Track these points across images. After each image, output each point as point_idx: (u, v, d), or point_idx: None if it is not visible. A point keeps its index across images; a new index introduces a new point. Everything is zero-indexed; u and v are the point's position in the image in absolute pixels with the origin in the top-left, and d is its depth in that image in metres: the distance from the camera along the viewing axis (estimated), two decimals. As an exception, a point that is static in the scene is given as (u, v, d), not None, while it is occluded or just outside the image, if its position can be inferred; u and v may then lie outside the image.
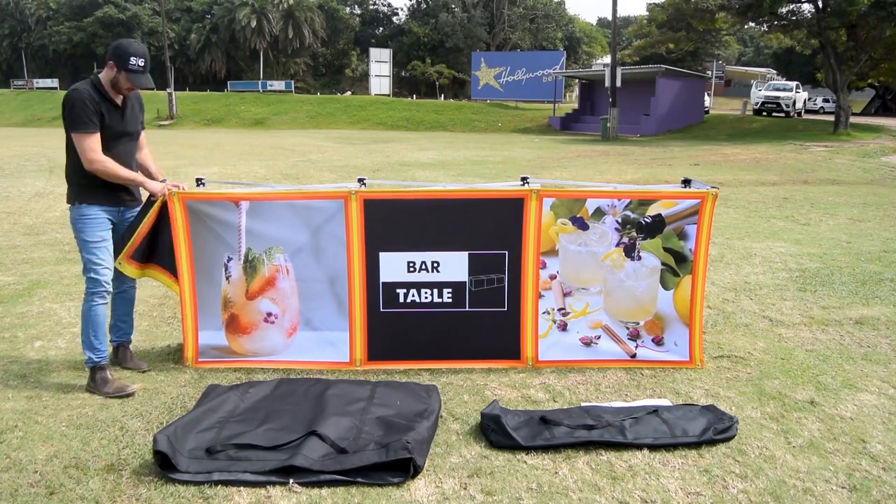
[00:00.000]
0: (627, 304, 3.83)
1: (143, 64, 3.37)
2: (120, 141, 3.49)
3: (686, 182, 3.93)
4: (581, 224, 3.75)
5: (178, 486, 2.55)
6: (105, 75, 3.42)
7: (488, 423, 2.96)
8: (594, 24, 79.06)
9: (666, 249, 3.77)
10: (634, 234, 3.75)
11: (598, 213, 3.74)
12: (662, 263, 3.78)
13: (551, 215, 3.73)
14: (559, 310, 3.84)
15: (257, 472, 2.61)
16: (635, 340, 3.85)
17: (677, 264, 3.78)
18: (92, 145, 3.34)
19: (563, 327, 3.84)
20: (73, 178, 3.48)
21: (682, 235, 3.75)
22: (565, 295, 3.83)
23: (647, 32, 30.70)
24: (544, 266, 3.79)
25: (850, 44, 24.37)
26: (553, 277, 3.81)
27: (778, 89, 32.24)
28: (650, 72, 29.76)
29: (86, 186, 3.45)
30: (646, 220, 3.73)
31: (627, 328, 3.86)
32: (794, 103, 30.91)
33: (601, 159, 17.95)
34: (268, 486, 2.56)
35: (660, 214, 3.73)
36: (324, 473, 2.60)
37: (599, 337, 3.85)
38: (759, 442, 2.94)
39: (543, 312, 3.83)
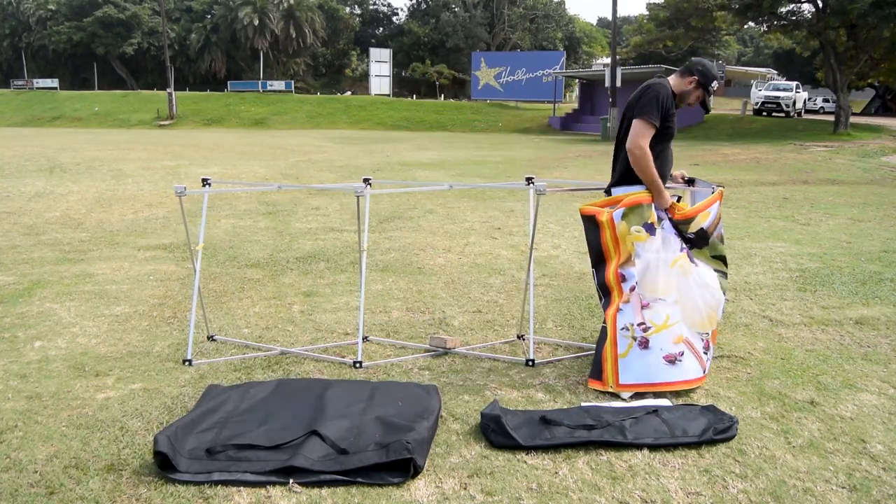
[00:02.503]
0: (699, 315, 3.55)
1: (715, 88, 3.62)
2: (667, 148, 3.64)
3: (690, 182, 3.93)
4: (650, 229, 3.49)
5: (178, 487, 2.55)
6: (678, 84, 3.61)
7: (488, 423, 2.96)
8: (594, 24, 79.10)
9: (714, 258, 3.71)
10: (683, 241, 3.62)
11: (658, 218, 3.55)
12: (715, 270, 3.68)
13: (624, 224, 3.49)
14: (639, 325, 3.46)
15: (257, 473, 2.61)
16: (707, 353, 3.57)
17: (727, 267, 3.77)
18: (647, 133, 3.49)
19: (645, 344, 3.44)
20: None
21: (721, 239, 3.74)
22: (643, 308, 3.47)
23: (646, 30, 30.68)
24: (624, 279, 3.50)
25: (850, 44, 24.35)
26: (632, 289, 3.48)
27: (778, 89, 32.20)
28: (650, 72, 29.73)
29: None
30: (690, 235, 3.61)
31: (702, 339, 3.56)
32: (794, 103, 30.87)
33: (601, 159, 17.93)
34: (268, 486, 2.56)
35: (702, 229, 3.61)
36: (324, 473, 2.60)
37: (683, 353, 3.45)
38: (759, 442, 2.94)
39: (622, 329, 3.47)
